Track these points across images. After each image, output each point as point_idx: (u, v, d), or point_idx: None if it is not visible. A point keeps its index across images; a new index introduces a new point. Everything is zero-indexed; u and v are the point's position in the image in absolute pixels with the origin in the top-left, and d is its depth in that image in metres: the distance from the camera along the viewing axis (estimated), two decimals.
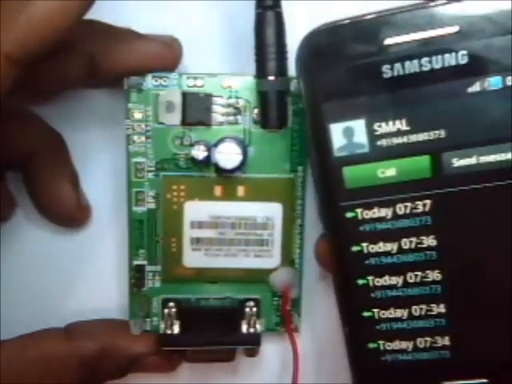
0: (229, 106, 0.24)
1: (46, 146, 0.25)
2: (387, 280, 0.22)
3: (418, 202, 0.21)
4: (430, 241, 0.22)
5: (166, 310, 0.25)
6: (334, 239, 0.22)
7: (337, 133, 0.21)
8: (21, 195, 0.26)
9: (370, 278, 0.22)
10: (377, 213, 0.22)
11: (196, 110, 0.24)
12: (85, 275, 0.27)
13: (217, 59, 0.26)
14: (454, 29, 0.20)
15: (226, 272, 0.25)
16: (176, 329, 0.25)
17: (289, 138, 0.25)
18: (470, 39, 0.20)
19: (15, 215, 0.26)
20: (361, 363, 0.23)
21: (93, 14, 0.21)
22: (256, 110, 0.24)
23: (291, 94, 0.24)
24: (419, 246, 0.22)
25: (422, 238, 0.22)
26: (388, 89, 0.21)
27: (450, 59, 0.20)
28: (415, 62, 0.20)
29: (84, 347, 0.24)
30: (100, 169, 0.26)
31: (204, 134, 0.24)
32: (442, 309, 0.22)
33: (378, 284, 0.22)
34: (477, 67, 0.20)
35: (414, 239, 0.22)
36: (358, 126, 0.21)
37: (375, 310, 0.22)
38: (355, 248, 0.22)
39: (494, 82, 0.20)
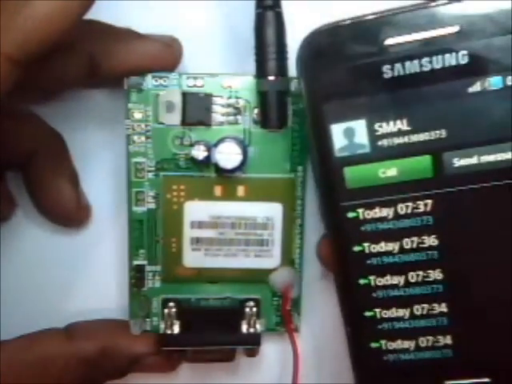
0: (229, 105, 0.24)
1: (46, 145, 0.25)
2: (389, 280, 0.22)
3: (419, 202, 0.21)
4: (431, 240, 0.22)
5: (166, 310, 0.25)
6: (336, 239, 0.22)
7: (338, 133, 0.21)
8: (21, 195, 0.26)
9: (371, 277, 0.22)
10: (378, 213, 0.22)
11: (196, 109, 0.24)
12: (85, 275, 0.27)
13: (217, 59, 0.26)
14: (455, 29, 0.20)
15: (226, 272, 0.25)
16: (176, 329, 0.25)
17: (289, 137, 0.25)
18: (471, 39, 0.20)
19: (15, 215, 0.26)
20: (363, 363, 0.23)
21: (93, 14, 0.21)
22: (256, 110, 0.24)
23: (291, 93, 0.24)
24: (421, 245, 0.22)
25: (423, 237, 0.22)
26: (389, 89, 0.21)
27: (450, 59, 0.20)
28: (416, 62, 0.20)
29: (84, 347, 0.24)
30: (100, 169, 0.26)
31: (204, 133, 0.24)
32: (443, 308, 0.22)
33: (379, 284, 0.22)
34: (477, 67, 0.20)
35: (415, 239, 0.22)
36: (359, 126, 0.21)
37: (377, 310, 0.22)
38: (357, 248, 0.22)
39: (494, 81, 0.20)
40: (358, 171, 0.21)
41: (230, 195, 0.25)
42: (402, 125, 0.21)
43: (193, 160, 0.24)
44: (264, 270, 0.25)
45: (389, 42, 0.20)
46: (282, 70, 0.23)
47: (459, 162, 0.21)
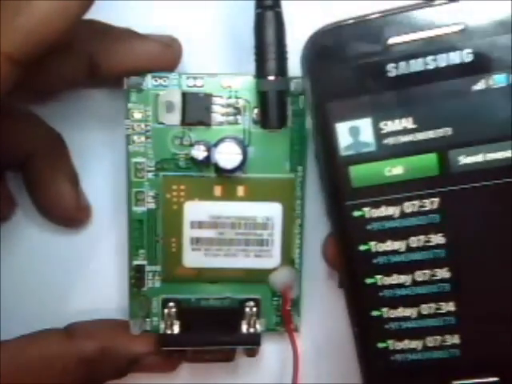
0: (229, 105, 0.24)
1: (46, 146, 0.25)
2: (396, 279, 0.22)
3: (425, 200, 0.21)
4: (438, 239, 0.22)
5: (165, 310, 0.25)
6: (342, 239, 0.22)
7: (343, 132, 0.21)
8: (21, 195, 0.26)
9: (378, 277, 0.22)
10: (384, 211, 0.22)
11: (196, 109, 0.24)
12: (85, 275, 0.27)
13: (217, 59, 0.26)
14: (459, 27, 0.20)
15: (226, 272, 0.25)
16: (176, 329, 0.25)
17: (289, 138, 0.25)
18: (475, 37, 0.20)
19: (15, 215, 0.26)
20: (370, 363, 0.23)
21: (93, 14, 0.21)
22: (256, 110, 0.24)
23: (291, 93, 0.24)
24: (427, 244, 0.22)
25: (430, 235, 0.22)
26: (393, 87, 0.21)
27: (454, 57, 0.20)
28: (420, 60, 0.20)
29: (84, 347, 0.24)
30: (100, 169, 0.26)
31: (204, 134, 0.24)
32: (451, 307, 0.22)
33: (386, 283, 0.22)
34: (482, 65, 0.20)
35: (422, 237, 0.22)
36: (364, 124, 0.21)
37: (384, 310, 0.22)
38: (363, 247, 0.22)
39: (498, 79, 0.20)
40: (363, 170, 0.21)
41: (229, 195, 0.25)
42: (408, 123, 0.21)
43: (193, 160, 0.24)
44: (264, 269, 0.25)
45: (393, 40, 0.20)
46: (281, 70, 0.23)
47: (465, 160, 0.21)
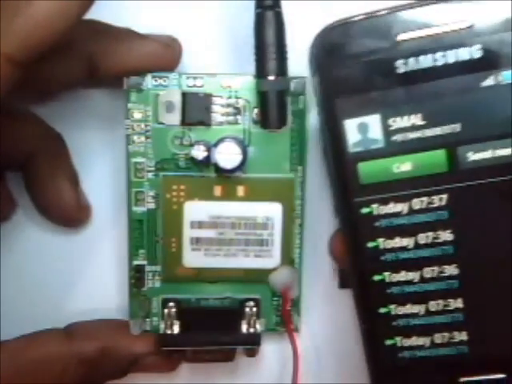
0: (228, 105, 0.24)
1: (46, 146, 0.25)
2: (404, 275, 0.22)
3: (434, 197, 0.21)
4: (446, 235, 0.22)
5: (165, 310, 0.25)
6: (350, 235, 0.22)
7: (351, 128, 0.21)
8: (21, 195, 0.26)
9: (386, 273, 0.22)
10: (392, 208, 0.22)
11: (196, 109, 0.24)
12: (85, 275, 0.27)
13: (217, 59, 0.26)
14: (468, 23, 0.20)
15: (226, 272, 0.25)
16: (176, 329, 0.25)
17: (288, 138, 0.25)
18: (484, 34, 0.20)
19: (15, 215, 0.26)
20: (378, 360, 0.23)
21: (93, 14, 0.21)
22: (256, 110, 0.24)
23: (291, 93, 0.24)
24: (436, 240, 0.22)
25: (438, 232, 0.22)
26: (402, 84, 0.21)
27: (463, 53, 0.20)
28: (429, 56, 0.20)
29: (84, 347, 0.24)
30: (100, 169, 0.26)
31: (204, 134, 0.24)
32: (459, 304, 0.22)
33: (394, 280, 0.22)
34: (490, 61, 0.20)
35: (430, 234, 0.22)
36: (373, 121, 0.21)
37: (392, 306, 0.22)
38: (371, 244, 0.22)
39: (507, 75, 0.20)
40: (372, 166, 0.21)
41: (229, 195, 0.25)
42: (416, 119, 0.21)
43: (193, 160, 0.24)
44: (264, 269, 0.25)
45: (402, 37, 0.20)
46: (281, 70, 0.23)
47: (474, 156, 0.21)
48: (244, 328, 0.25)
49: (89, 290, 0.27)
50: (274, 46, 0.23)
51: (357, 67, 0.21)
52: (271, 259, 0.25)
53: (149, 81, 0.24)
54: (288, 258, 0.25)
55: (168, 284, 0.25)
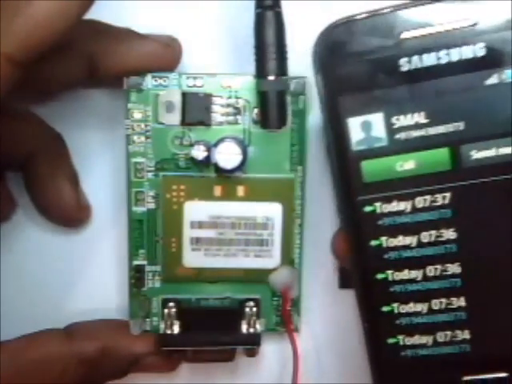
0: (228, 105, 0.24)
1: (46, 146, 0.25)
2: (407, 274, 0.22)
3: (437, 195, 0.21)
4: (449, 234, 0.22)
5: (165, 310, 0.25)
6: (353, 234, 0.22)
7: (355, 127, 0.21)
8: (21, 195, 0.26)
9: (389, 272, 0.22)
10: (396, 206, 0.22)
11: (196, 109, 0.24)
12: (85, 275, 0.27)
13: (217, 59, 0.26)
14: (471, 21, 0.20)
15: (226, 272, 0.25)
16: (176, 329, 0.25)
17: (288, 137, 0.25)
18: (488, 32, 0.20)
19: (15, 215, 0.26)
20: (380, 359, 0.23)
21: (93, 14, 0.21)
22: (256, 110, 0.24)
23: (291, 93, 0.24)
24: (439, 239, 0.22)
25: (441, 230, 0.22)
26: (405, 82, 0.21)
27: (467, 52, 0.20)
28: (432, 54, 0.20)
29: (84, 347, 0.24)
30: (100, 169, 0.26)
31: (204, 134, 0.24)
32: (462, 302, 0.22)
33: (397, 278, 0.22)
34: (494, 59, 0.20)
35: (433, 232, 0.22)
36: (376, 119, 0.21)
37: (395, 305, 0.22)
38: (374, 242, 0.22)
39: (510, 73, 0.20)
40: (375, 165, 0.21)
41: (229, 195, 0.25)
42: (420, 117, 0.21)
43: (193, 160, 0.24)
44: (264, 269, 0.25)
45: (405, 35, 0.20)
46: (281, 70, 0.23)
47: (477, 155, 0.21)
48: (244, 328, 0.25)
49: (89, 290, 0.27)
50: (273, 46, 0.23)
51: (360, 65, 0.21)
52: (271, 259, 0.25)
53: (149, 81, 0.24)
54: (288, 258, 0.25)
55: (168, 284, 0.25)
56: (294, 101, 0.24)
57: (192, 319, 0.25)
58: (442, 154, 0.21)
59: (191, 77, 0.24)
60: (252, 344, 0.26)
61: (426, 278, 0.22)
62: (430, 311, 0.22)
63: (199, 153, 0.24)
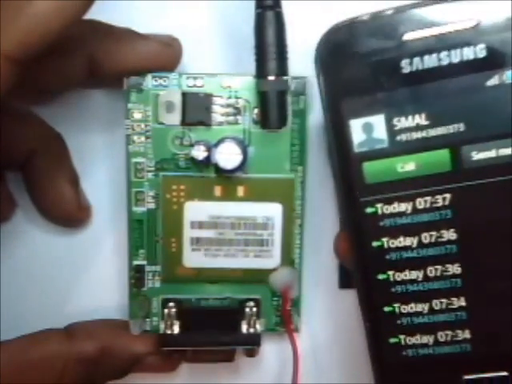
0: (229, 105, 0.24)
1: (46, 146, 0.25)
2: (408, 274, 0.22)
3: (437, 196, 0.21)
4: (450, 234, 0.22)
5: (165, 310, 0.25)
6: (355, 235, 0.22)
7: (356, 128, 0.21)
8: (21, 195, 0.26)
9: (390, 272, 0.22)
10: (397, 207, 0.22)
11: (196, 110, 0.24)
12: (85, 275, 0.27)
13: (217, 59, 0.26)
14: (473, 22, 0.20)
15: (226, 272, 0.25)
16: (176, 329, 0.25)
17: (289, 138, 0.25)
18: (489, 33, 0.20)
19: (15, 215, 0.26)
20: (382, 358, 0.23)
21: (93, 14, 0.21)
22: (256, 110, 0.24)
23: (291, 93, 0.24)
24: (439, 239, 0.22)
25: (442, 231, 0.22)
26: (407, 84, 0.21)
27: (468, 53, 0.20)
28: (434, 56, 0.20)
29: (84, 347, 0.24)
30: (100, 169, 0.26)
31: (204, 134, 0.24)
32: (462, 302, 0.22)
33: (398, 279, 0.22)
34: (495, 60, 0.20)
35: (434, 233, 0.22)
36: (378, 121, 0.21)
37: (396, 305, 0.22)
38: (375, 243, 0.22)
39: (511, 74, 0.20)
40: (376, 166, 0.21)
41: (229, 195, 0.25)
42: (421, 119, 0.21)
43: (193, 160, 0.24)
44: (264, 270, 0.25)
45: (407, 36, 0.20)
46: (281, 70, 0.23)
47: (478, 156, 0.21)
48: (244, 328, 0.25)
49: (89, 289, 0.27)
50: (274, 46, 0.23)
51: (362, 67, 0.21)
52: (271, 259, 0.25)
53: (149, 81, 0.24)
54: (288, 258, 0.25)
55: (168, 284, 0.25)
56: (295, 101, 0.24)
57: (192, 319, 0.25)
58: (442, 155, 0.21)
59: (191, 77, 0.24)
60: (252, 344, 0.26)
61: (426, 279, 0.22)
62: (431, 311, 0.22)
63: (199, 153, 0.24)
